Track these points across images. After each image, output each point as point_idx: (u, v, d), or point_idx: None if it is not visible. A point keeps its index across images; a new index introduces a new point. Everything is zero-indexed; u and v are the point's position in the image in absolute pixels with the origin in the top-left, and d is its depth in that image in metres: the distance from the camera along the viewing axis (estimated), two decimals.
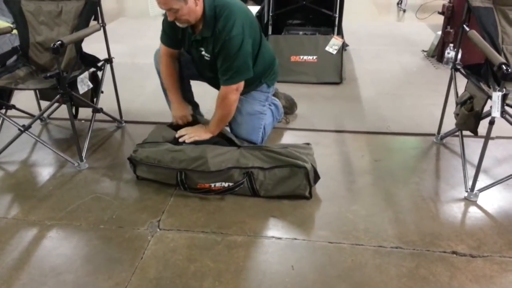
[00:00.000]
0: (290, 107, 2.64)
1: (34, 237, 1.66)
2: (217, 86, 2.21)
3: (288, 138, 2.42)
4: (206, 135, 1.96)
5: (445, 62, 3.58)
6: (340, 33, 3.62)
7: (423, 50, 4.00)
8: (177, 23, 1.81)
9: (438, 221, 1.72)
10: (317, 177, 1.85)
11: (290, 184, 1.80)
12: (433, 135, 2.37)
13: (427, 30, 4.83)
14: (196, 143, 1.93)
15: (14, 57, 2.37)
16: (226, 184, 1.83)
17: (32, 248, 1.60)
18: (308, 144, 2.00)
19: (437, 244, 1.59)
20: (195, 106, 2.31)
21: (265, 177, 1.80)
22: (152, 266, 1.50)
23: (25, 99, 2.65)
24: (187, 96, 2.26)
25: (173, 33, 1.97)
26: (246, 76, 1.91)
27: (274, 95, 2.54)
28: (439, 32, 3.72)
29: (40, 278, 1.46)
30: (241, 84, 1.91)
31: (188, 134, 1.97)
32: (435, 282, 1.42)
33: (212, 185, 1.84)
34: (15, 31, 2.39)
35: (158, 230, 1.68)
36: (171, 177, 1.87)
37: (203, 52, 1.94)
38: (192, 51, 2.02)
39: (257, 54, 1.99)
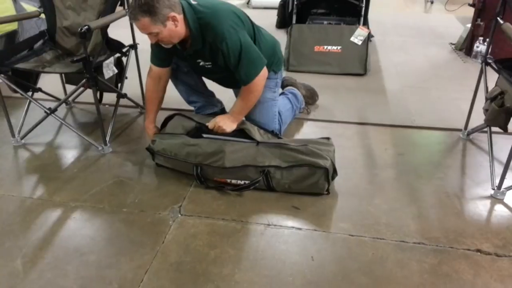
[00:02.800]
0: (311, 97, 2.61)
1: (58, 218, 1.69)
2: (224, 85, 2.20)
3: (310, 129, 2.40)
4: (232, 124, 1.93)
5: (474, 56, 3.48)
6: (366, 23, 3.55)
7: (451, 43, 3.90)
8: (162, 44, 1.77)
9: (463, 218, 1.68)
10: (335, 173, 1.82)
11: (307, 182, 1.76)
12: (459, 130, 2.31)
13: (455, 22, 4.71)
14: (217, 134, 1.92)
15: (41, 41, 2.40)
16: (242, 182, 1.81)
17: (56, 228, 1.64)
18: (328, 138, 1.94)
19: (461, 241, 1.56)
20: (210, 94, 2.30)
21: (282, 176, 1.77)
22: (173, 250, 1.51)
23: (50, 82, 2.69)
24: (199, 86, 2.21)
25: (160, 51, 1.91)
26: (262, 65, 1.85)
27: (292, 85, 2.52)
28: (469, 25, 3.61)
29: (64, 257, 1.49)
30: (264, 72, 1.86)
31: (216, 124, 1.93)
32: (458, 279, 1.40)
33: (228, 180, 1.83)
34: (42, 15, 2.42)
35: (179, 215, 1.70)
36: (188, 169, 1.88)
37: (202, 63, 1.90)
38: (189, 63, 1.99)
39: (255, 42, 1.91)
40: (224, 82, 2.16)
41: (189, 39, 1.79)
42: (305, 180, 1.76)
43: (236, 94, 2.19)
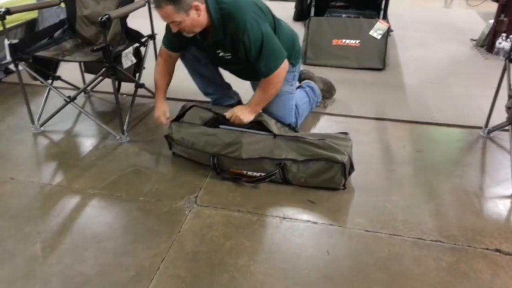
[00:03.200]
0: (328, 91, 2.58)
1: (77, 205, 1.72)
2: (242, 77, 2.18)
3: (326, 123, 2.39)
4: (250, 115, 1.92)
5: (496, 53, 3.40)
6: (385, 17, 3.49)
7: (471, 39, 3.82)
8: (183, 33, 1.77)
9: (482, 217, 1.65)
10: (352, 169, 1.80)
11: (324, 177, 1.75)
12: (480, 128, 2.27)
13: (476, 18, 4.61)
14: (234, 125, 1.91)
15: (61, 30, 2.42)
16: (258, 174, 1.81)
17: (75, 215, 1.66)
18: (346, 134, 1.93)
19: (480, 240, 1.53)
20: (227, 86, 2.29)
21: (298, 170, 1.76)
22: (189, 240, 1.52)
23: (69, 71, 2.72)
24: (216, 78, 2.21)
25: (174, 38, 1.91)
26: (283, 58, 1.84)
27: (309, 78, 2.50)
28: (491, 21, 3.53)
29: (82, 244, 1.51)
30: (285, 64, 1.85)
31: (234, 114, 1.92)
32: (476, 279, 1.38)
33: (244, 172, 1.83)
34: (62, 4, 2.44)
35: (195, 205, 1.71)
36: (205, 159, 1.88)
37: (221, 54, 1.90)
38: (207, 53, 1.99)
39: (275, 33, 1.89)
40: (242, 74, 2.15)
41: (210, 29, 1.78)
42: (321, 175, 1.75)
43: (254, 87, 2.18)
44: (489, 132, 2.22)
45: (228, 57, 1.90)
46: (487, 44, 3.54)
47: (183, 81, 2.09)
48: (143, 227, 1.59)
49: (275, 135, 1.84)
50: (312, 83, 2.45)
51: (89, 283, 1.35)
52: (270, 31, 1.80)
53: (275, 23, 1.92)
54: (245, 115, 1.91)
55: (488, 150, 2.12)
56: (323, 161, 1.73)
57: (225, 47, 1.85)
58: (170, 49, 1.99)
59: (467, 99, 2.63)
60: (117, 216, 1.65)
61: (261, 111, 1.99)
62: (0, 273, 1.39)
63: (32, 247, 1.50)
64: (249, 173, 1.83)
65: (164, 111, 2.04)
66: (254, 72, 1.86)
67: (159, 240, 1.52)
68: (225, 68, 2.15)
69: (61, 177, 1.89)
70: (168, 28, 1.90)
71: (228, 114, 1.93)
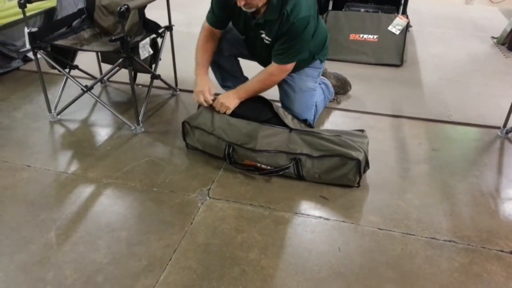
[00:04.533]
0: (342, 87, 2.56)
1: (91, 193, 1.74)
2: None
3: (341, 119, 2.37)
4: (235, 101, 1.90)
5: None
6: (405, 12, 3.43)
7: (492, 37, 3.74)
8: (244, 8, 1.75)
9: (497, 218, 1.63)
10: (367, 167, 1.78)
11: (338, 173, 1.74)
12: (498, 128, 2.23)
13: (498, 15, 4.50)
14: (248, 118, 1.90)
15: (79, 19, 2.44)
16: (272, 168, 1.81)
17: (89, 203, 1.68)
18: (362, 131, 1.91)
19: (494, 242, 1.51)
20: (244, 81, 2.27)
21: (313, 165, 1.76)
22: (201, 232, 1.53)
23: (86, 60, 2.74)
24: (237, 72, 2.23)
25: (221, 14, 1.92)
26: (301, 58, 1.89)
27: (322, 74, 2.48)
28: None
29: (96, 232, 1.54)
30: (293, 64, 1.89)
31: (218, 102, 1.90)
32: (489, 280, 1.36)
33: (258, 164, 1.83)
34: None
35: (208, 198, 1.71)
36: (218, 150, 1.88)
37: (263, 35, 1.89)
38: (249, 34, 1.97)
39: (314, 31, 1.92)
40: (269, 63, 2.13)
41: (263, 7, 1.78)
42: (335, 171, 1.74)
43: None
44: (507, 132, 2.18)
45: (267, 42, 1.90)
46: (509, 42, 3.46)
47: None
48: (156, 218, 1.60)
49: (291, 129, 1.83)
50: (326, 80, 2.43)
51: (102, 271, 1.37)
52: (312, 28, 1.83)
53: (318, 19, 1.94)
54: (230, 101, 1.90)
55: (506, 150, 2.08)
56: (337, 158, 1.72)
57: (271, 29, 1.84)
58: (215, 26, 1.98)
59: (485, 98, 2.58)
60: (131, 206, 1.67)
61: (280, 105, 1.98)
62: (16, 259, 1.42)
63: (47, 234, 1.53)
64: (263, 166, 1.82)
65: (208, 88, 1.94)
66: None
67: (172, 231, 1.54)
68: (255, 54, 2.11)
69: (76, 166, 1.92)
70: (214, 5, 1.91)
71: (214, 103, 1.91)
